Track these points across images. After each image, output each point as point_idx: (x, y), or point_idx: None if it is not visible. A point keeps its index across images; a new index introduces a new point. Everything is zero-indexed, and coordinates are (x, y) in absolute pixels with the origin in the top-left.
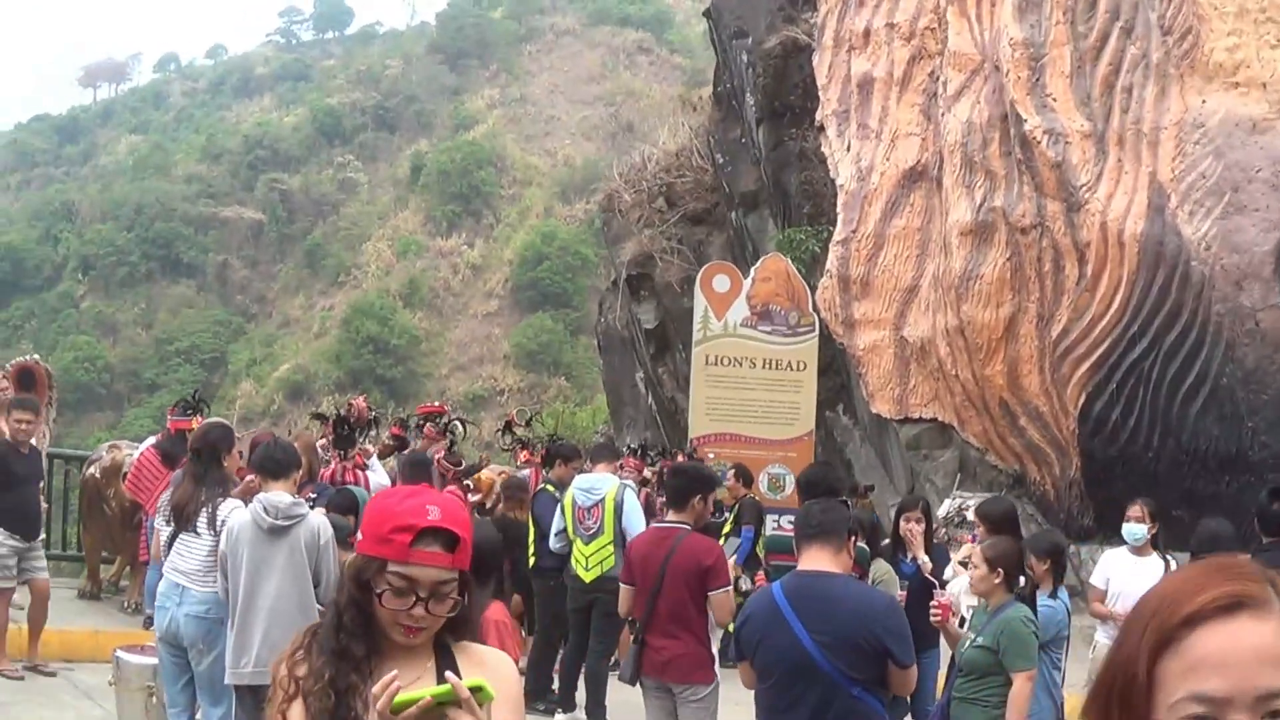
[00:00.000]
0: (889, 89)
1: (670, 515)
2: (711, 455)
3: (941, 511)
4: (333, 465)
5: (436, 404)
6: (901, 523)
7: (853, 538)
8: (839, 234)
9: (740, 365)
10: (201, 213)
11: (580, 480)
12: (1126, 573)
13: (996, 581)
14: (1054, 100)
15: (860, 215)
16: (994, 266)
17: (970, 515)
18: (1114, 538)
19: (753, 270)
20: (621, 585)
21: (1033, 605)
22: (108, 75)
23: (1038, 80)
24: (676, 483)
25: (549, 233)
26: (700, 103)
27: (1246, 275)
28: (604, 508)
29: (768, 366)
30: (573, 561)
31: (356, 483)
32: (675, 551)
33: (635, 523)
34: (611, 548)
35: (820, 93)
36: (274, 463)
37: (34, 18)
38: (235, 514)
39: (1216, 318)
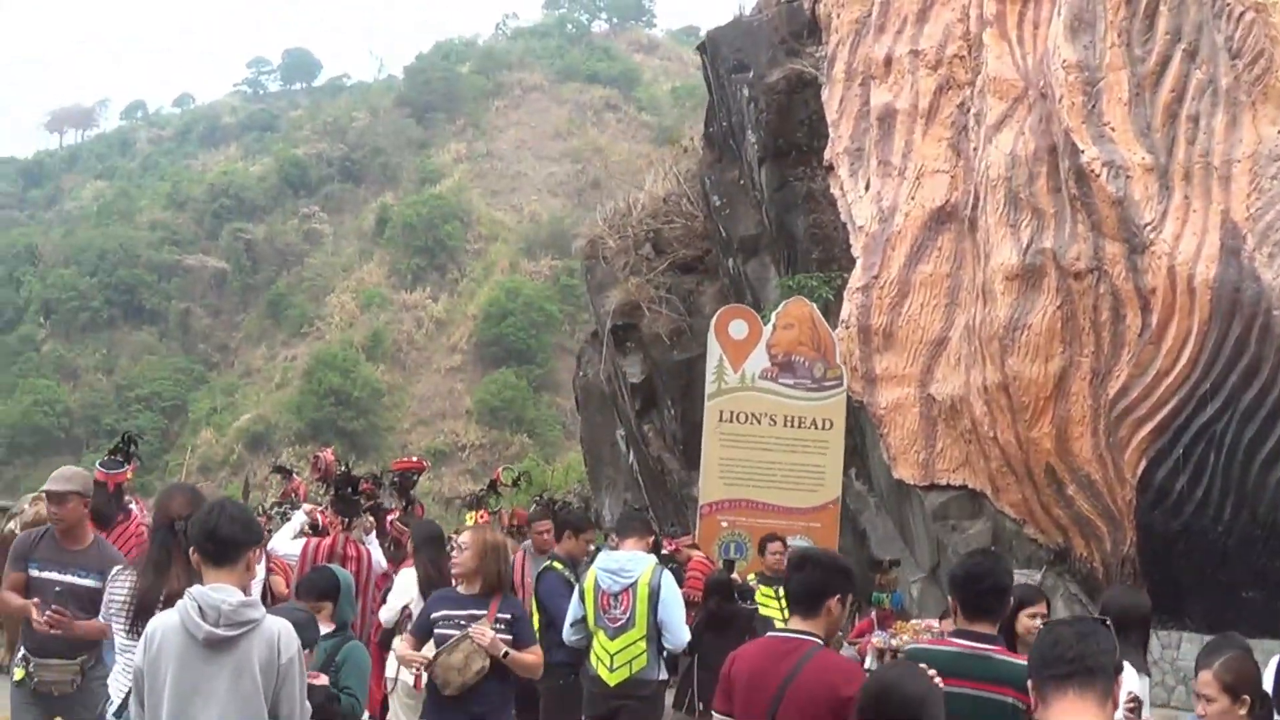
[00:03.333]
0: (913, 122)
1: (794, 622)
2: (724, 524)
3: None
4: (333, 535)
5: (414, 459)
6: (1024, 619)
7: (1119, 675)
8: (858, 280)
9: (759, 422)
10: (165, 260)
11: (606, 559)
12: None
13: (1242, 713)
14: (1112, 130)
15: (882, 260)
16: (1043, 315)
17: None
18: (1169, 622)
19: (773, 316)
20: (716, 717)
21: None
22: (75, 121)
23: (1093, 107)
24: (806, 578)
25: (514, 288)
26: (690, 145)
27: None
28: (635, 594)
29: (790, 424)
30: (593, 659)
31: (356, 557)
32: (799, 673)
33: (675, 614)
34: (644, 644)
35: (830, 129)
36: (217, 540)
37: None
38: (159, 615)
39: None
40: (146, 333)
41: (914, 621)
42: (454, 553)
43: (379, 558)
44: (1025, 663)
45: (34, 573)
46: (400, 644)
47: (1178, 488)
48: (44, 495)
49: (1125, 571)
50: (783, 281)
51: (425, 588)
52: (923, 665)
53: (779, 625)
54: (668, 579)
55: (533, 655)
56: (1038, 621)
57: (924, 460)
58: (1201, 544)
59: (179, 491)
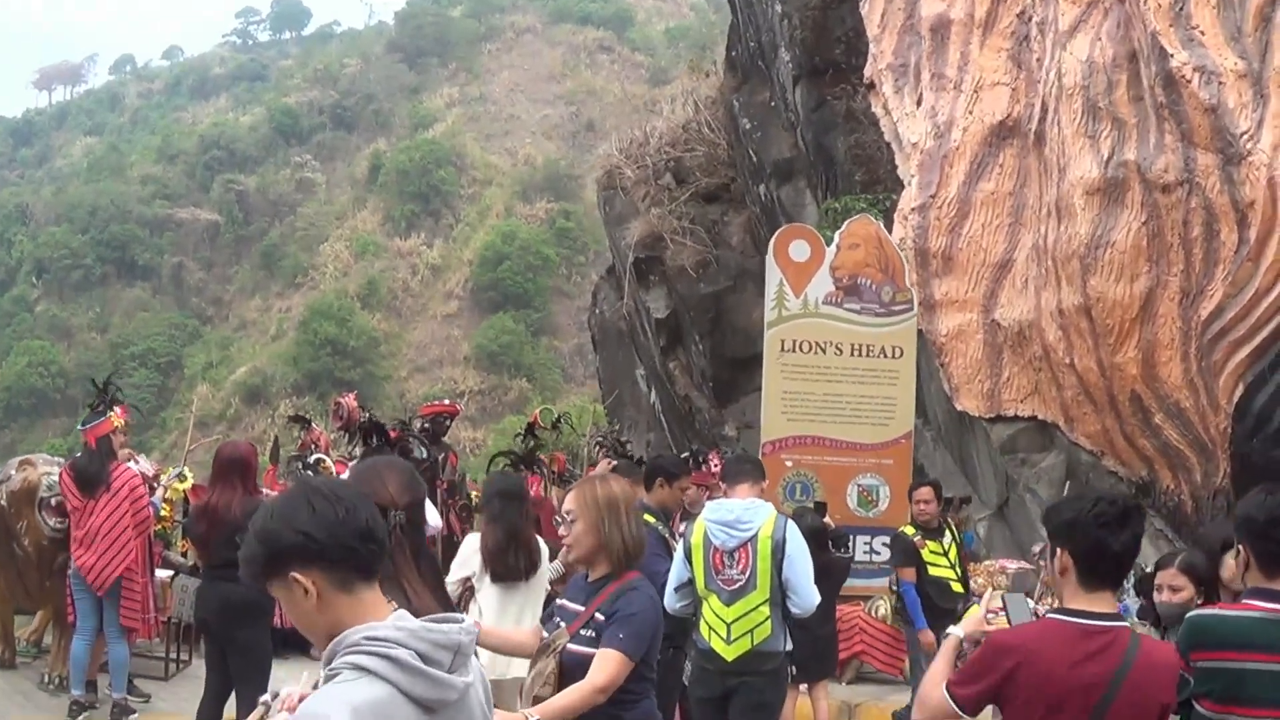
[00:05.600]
0: (969, 32)
1: (1099, 600)
2: (789, 463)
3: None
4: None
5: (445, 401)
6: (1231, 562)
7: None
8: (914, 200)
9: (824, 351)
10: (157, 214)
11: (717, 509)
12: None
13: None
14: (1201, 34)
15: (940, 178)
16: (1127, 232)
17: None
18: None
19: (837, 235)
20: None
21: None
22: (63, 77)
23: (1181, 10)
24: (1136, 538)
25: (509, 232)
26: (713, 69)
27: None
28: (755, 550)
29: (857, 353)
30: (704, 630)
31: None
32: (1126, 680)
33: (803, 573)
34: (767, 609)
35: (871, 44)
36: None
37: None
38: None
39: None
40: (140, 289)
41: (986, 563)
42: (561, 527)
43: (433, 519)
44: None
45: None
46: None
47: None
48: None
49: (1217, 505)
50: (827, 205)
51: (490, 559)
52: None
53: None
54: (793, 530)
55: (585, 685)
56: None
57: (989, 390)
58: None
59: (390, 470)
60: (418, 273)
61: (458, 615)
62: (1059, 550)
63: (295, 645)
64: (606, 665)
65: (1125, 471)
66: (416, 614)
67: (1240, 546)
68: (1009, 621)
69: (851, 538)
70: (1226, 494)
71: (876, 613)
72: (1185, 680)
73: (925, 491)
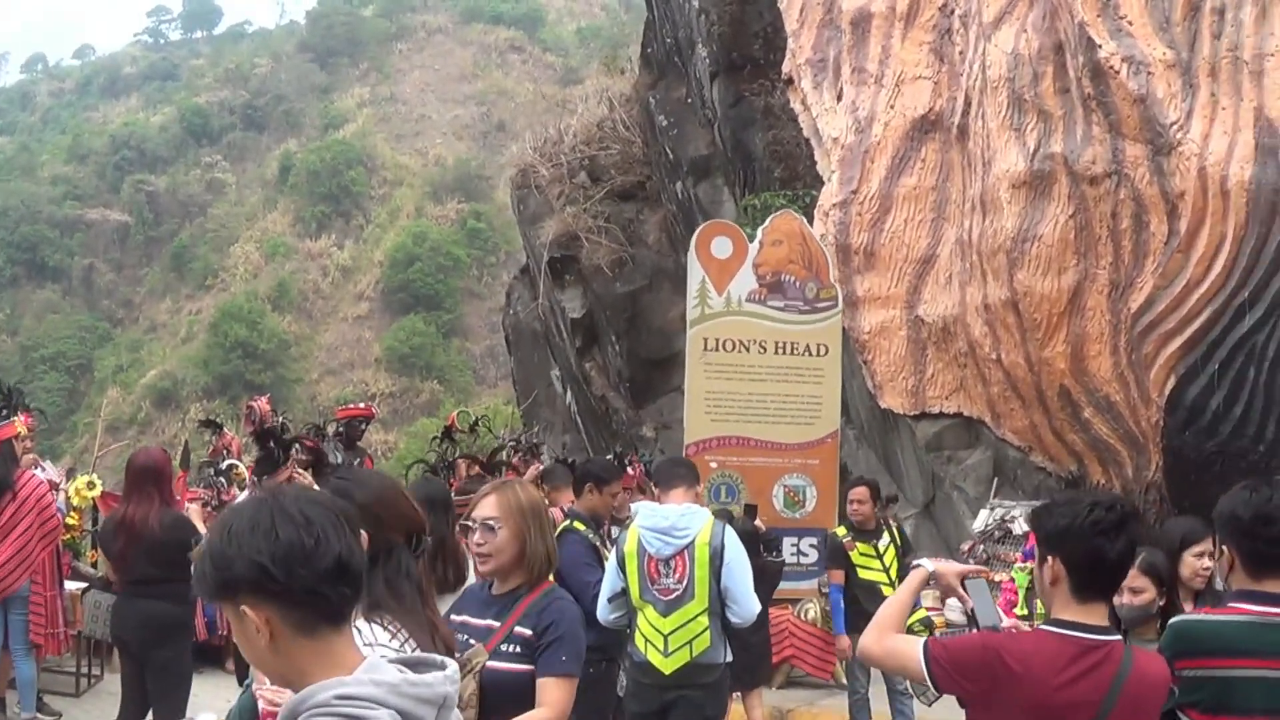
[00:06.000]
0: (891, 26)
1: (1091, 611)
2: (713, 465)
3: (978, 525)
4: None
5: (361, 405)
6: (1190, 560)
7: None
8: (836, 195)
9: (748, 350)
10: (67, 215)
11: (651, 514)
12: None
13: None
14: (1129, 24)
15: (861, 173)
16: (1055, 225)
17: (1016, 529)
18: None
19: (759, 232)
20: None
21: None
22: None
23: (1108, 1)
24: (1132, 546)
25: (420, 233)
26: (629, 67)
27: None
28: (693, 558)
29: (781, 351)
30: (639, 642)
31: None
32: (1119, 698)
33: (742, 581)
34: (706, 619)
35: (790, 39)
36: None
37: None
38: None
39: None
40: (50, 291)
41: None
42: (475, 535)
43: None
44: None
45: None
46: None
47: (1212, 406)
48: None
49: (1150, 498)
50: (745, 202)
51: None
52: None
53: (1055, 615)
54: (731, 537)
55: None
56: (1206, 562)
57: (913, 387)
58: (1239, 466)
59: (408, 491)
60: (328, 274)
61: (438, 658)
62: (1049, 558)
63: (212, 660)
64: (557, 695)
65: (1054, 467)
66: (448, 652)
67: (1224, 547)
68: (972, 606)
69: (780, 540)
70: (1159, 487)
71: (806, 616)
72: (1170, 690)
73: (860, 491)
